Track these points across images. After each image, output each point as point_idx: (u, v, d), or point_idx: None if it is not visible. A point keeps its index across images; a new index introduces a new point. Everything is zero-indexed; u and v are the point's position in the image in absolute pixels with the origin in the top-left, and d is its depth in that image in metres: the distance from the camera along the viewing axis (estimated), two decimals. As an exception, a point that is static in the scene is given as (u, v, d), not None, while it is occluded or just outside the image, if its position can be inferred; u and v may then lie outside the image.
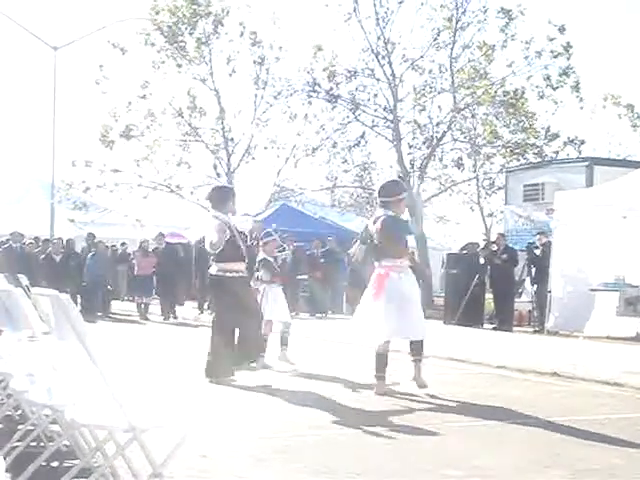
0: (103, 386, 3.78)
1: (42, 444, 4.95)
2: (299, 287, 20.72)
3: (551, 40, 24.21)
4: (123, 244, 24.22)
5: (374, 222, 8.22)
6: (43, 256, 19.84)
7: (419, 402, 7.72)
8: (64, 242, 20.78)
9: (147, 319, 19.22)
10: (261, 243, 10.35)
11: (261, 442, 5.97)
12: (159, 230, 24.13)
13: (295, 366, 9.91)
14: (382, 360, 8.13)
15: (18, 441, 4.85)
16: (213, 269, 8.78)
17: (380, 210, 8.25)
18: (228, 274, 8.65)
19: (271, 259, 10.38)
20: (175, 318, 18.95)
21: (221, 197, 8.89)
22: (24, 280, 8.83)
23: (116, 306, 21.13)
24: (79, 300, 19.06)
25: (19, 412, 5.63)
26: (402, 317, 7.97)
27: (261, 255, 10.27)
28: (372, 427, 6.56)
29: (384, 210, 8.18)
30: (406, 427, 6.59)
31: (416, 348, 8.28)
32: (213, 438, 5.54)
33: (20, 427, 5.10)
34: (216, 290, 9.03)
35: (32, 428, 4.90)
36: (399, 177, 9.48)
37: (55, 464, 4.79)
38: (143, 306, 19.85)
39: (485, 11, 24.43)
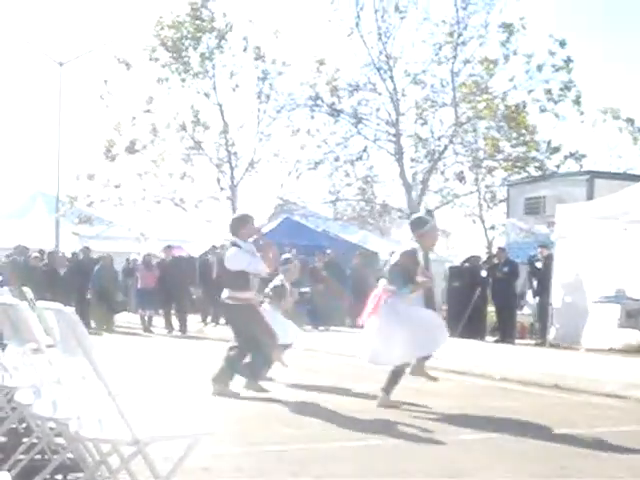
0: (107, 399, 3.82)
1: (46, 457, 4.97)
2: (302, 300, 20.72)
3: (552, 54, 24.33)
4: (127, 259, 24.20)
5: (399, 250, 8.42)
6: (47, 269, 19.89)
7: (420, 414, 7.75)
8: (80, 254, 20.95)
9: (151, 332, 19.24)
10: (281, 269, 10.46)
11: (265, 454, 6.00)
12: (162, 243, 24.23)
13: (287, 368, 9.71)
14: (395, 378, 8.14)
15: (23, 454, 4.88)
16: (225, 294, 9.06)
17: (411, 242, 8.38)
18: (236, 302, 8.95)
19: (288, 286, 10.40)
20: (184, 332, 18.90)
21: (238, 224, 9.17)
22: (29, 293, 8.89)
23: (121, 319, 21.14)
24: (83, 313, 19.09)
25: (24, 425, 5.66)
26: (406, 338, 7.90)
27: (279, 281, 10.34)
28: (374, 439, 6.59)
29: (411, 243, 8.33)
30: (407, 439, 6.62)
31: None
32: (216, 451, 5.57)
33: (25, 440, 5.13)
34: (228, 315, 9.54)
35: (36, 441, 4.93)
36: (427, 210, 9.46)
37: (59, 477, 4.82)
38: (147, 319, 19.88)
39: (486, 26, 24.57)
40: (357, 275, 20.66)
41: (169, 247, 20.51)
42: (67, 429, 4.21)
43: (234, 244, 9.04)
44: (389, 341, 7.97)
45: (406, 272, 8.07)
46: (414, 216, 8.92)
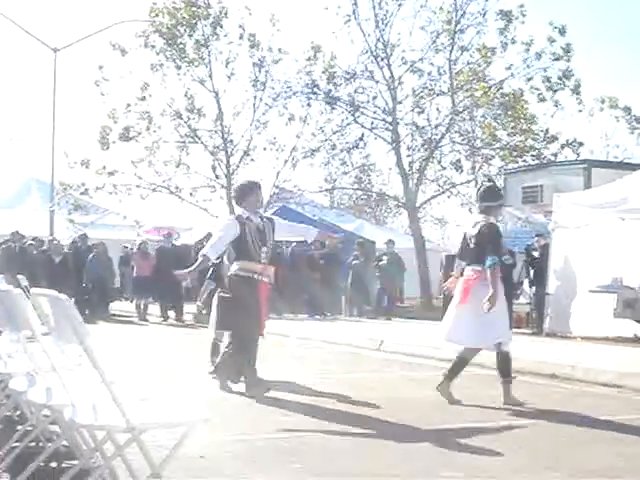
0: (102, 386, 3.79)
1: (41, 444, 4.96)
2: (298, 289, 20.73)
3: (552, 42, 24.24)
4: (125, 247, 24.11)
5: (473, 226, 7.96)
6: (42, 257, 19.84)
7: (418, 404, 7.73)
8: (81, 240, 21.08)
9: (146, 320, 19.22)
10: None
11: (260, 443, 5.99)
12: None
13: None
14: (460, 364, 8.06)
15: (17, 441, 4.86)
16: (232, 268, 8.47)
17: (479, 216, 7.98)
18: (240, 272, 8.25)
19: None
20: (180, 321, 18.84)
21: (242, 192, 8.51)
22: (23, 281, 8.85)
23: (116, 307, 21.12)
24: (79, 301, 19.03)
25: (18, 412, 5.64)
26: (481, 324, 7.77)
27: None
28: (371, 429, 6.58)
29: (484, 216, 7.91)
30: (405, 429, 6.61)
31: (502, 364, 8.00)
32: (212, 439, 5.55)
33: (19, 427, 5.11)
34: (230, 290, 8.55)
35: (31, 428, 4.91)
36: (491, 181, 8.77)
37: (54, 464, 4.80)
38: (142, 307, 19.85)
39: (484, 14, 24.48)
40: (355, 264, 20.65)
41: (169, 234, 20.45)
42: (62, 416, 4.19)
43: (237, 218, 8.39)
44: (475, 323, 7.77)
45: (494, 244, 7.79)
46: (491, 184, 8.19)
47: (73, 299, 17.09)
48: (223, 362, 8.53)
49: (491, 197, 7.98)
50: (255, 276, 8.22)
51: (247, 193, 8.41)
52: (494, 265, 7.61)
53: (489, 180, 8.46)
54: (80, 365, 4.48)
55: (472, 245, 7.87)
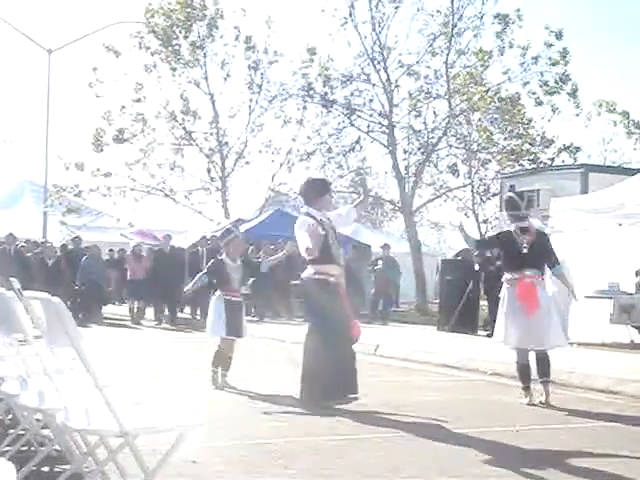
0: (95, 390, 3.74)
1: (33, 448, 4.91)
2: (293, 292, 20.67)
3: (549, 47, 24.25)
4: (120, 250, 23.95)
5: (522, 231, 8.18)
6: (35, 260, 19.74)
7: (412, 408, 7.68)
8: (71, 244, 20.84)
9: (140, 323, 19.12)
10: (221, 243, 9.23)
11: (254, 447, 5.93)
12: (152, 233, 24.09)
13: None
14: (524, 370, 8.21)
15: (8, 445, 4.81)
16: (305, 273, 7.91)
17: (513, 225, 8.28)
18: (316, 276, 7.73)
19: (232, 263, 8.94)
20: (174, 325, 18.75)
21: (314, 191, 7.97)
22: (16, 283, 8.77)
23: (110, 310, 21.03)
24: (71, 304, 18.95)
25: (10, 416, 5.57)
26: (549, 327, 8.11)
27: (217, 257, 9.19)
28: (365, 434, 6.53)
29: (516, 224, 8.25)
30: (398, 433, 6.56)
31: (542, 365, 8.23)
32: (205, 444, 5.49)
33: (11, 431, 5.05)
34: (306, 296, 8.08)
35: (23, 432, 4.85)
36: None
37: (46, 469, 4.75)
38: (136, 310, 19.76)
39: (481, 17, 24.49)
40: (350, 268, 20.56)
41: (169, 236, 20.36)
42: (54, 420, 4.14)
43: (308, 214, 7.87)
44: (546, 325, 8.06)
45: (551, 251, 8.27)
46: (512, 195, 8.48)
47: (68, 302, 16.92)
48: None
49: (515, 207, 8.32)
50: (333, 279, 7.73)
51: (322, 192, 7.92)
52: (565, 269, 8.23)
53: (514, 192, 8.82)
54: (73, 369, 4.42)
55: (526, 251, 8.10)
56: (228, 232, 9.36)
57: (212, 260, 9.23)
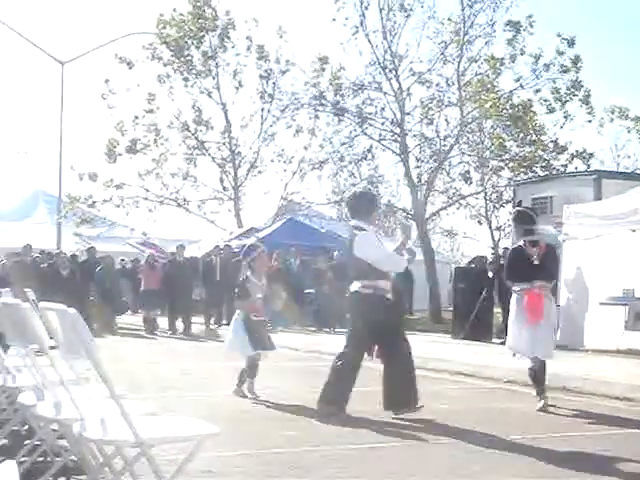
0: (111, 401, 3.76)
1: (49, 459, 4.92)
2: (306, 301, 20.69)
3: (560, 54, 24.19)
4: (135, 260, 24.01)
5: (533, 245, 8.48)
6: (50, 270, 19.81)
7: (426, 416, 7.66)
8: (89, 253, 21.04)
9: (155, 333, 19.16)
10: (245, 260, 8.89)
11: (270, 457, 5.93)
12: (165, 244, 24.16)
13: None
14: (537, 376, 8.50)
15: (25, 456, 4.83)
16: (355, 286, 7.80)
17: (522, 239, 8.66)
18: (370, 291, 7.66)
19: (258, 281, 8.78)
20: (188, 334, 18.76)
21: (366, 206, 7.90)
22: (31, 294, 8.82)
23: (124, 320, 21.07)
24: (87, 315, 18.99)
25: (26, 427, 5.60)
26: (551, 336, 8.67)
27: (243, 275, 8.91)
28: (379, 442, 6.52)
29: (524, 238, 8.60)
30: (412, 442, 6.55)
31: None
32: (221, 454, 5.50)
33: (27, 442, 5.07)
34: (356, 309, 7.92)
35: (39, 443, 4.87)
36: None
37: (62, 479, 4.76)
38: (151, 320, 19.79)
39: (492, 24, 24.45)
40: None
41: (182, 246, 20.38)
42: (70, 431, 4.16)
43: (361, 228, 7.73)
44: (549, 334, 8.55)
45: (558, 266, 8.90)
46: (522, 209, 9.06)
47: (80, 312, 16.93)
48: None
49: (532, 220, 8.63)
50: (387, 294, 7.74)
51: (374, 206, 8.00)
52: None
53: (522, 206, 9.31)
54: (88, 379, 4.44)
55: (537, 262, 8.39)
56: (252, 249, 8.99)
57: (240, 282, 8.86)
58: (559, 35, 24.19)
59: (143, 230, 28.42)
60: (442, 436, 6.80)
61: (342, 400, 7.62)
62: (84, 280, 19.88)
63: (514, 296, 8.49)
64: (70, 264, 20.34)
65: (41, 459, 4.87)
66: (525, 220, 8.61)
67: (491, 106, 24.54)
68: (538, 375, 8.46)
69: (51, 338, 4.34)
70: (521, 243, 8.58)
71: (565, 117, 24.94)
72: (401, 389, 7.67)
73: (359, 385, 9.56)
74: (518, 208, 8.98)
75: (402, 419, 7.49)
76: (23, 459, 4.79)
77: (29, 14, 53.38)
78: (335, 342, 15.76)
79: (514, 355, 8.85)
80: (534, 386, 8.52)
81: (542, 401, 8.28)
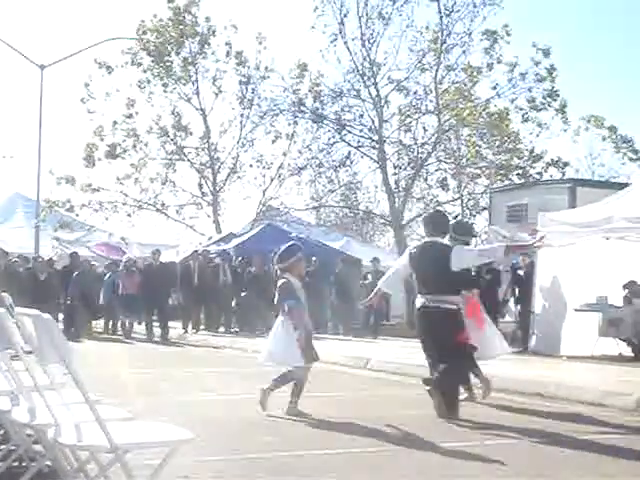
0: (86, 406, 3.78)
1: (24, 464, 4.92)
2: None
3: (536, 64, 24.42)
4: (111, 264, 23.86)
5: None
6: (27, 275, 19.70)
7: (404, 422, 7.72)
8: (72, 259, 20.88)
9: (132, 338, 19.11)
10: (281, 266, 8.32)
11: (246, 462, 5.96)
12: (143, 248, 24.09)
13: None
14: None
15: (0, 461, 4.83)
16: (440, 300, 8.09)
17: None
18: (452, 306, 8.07)
19: (298, 284, 8.31)
20: (166, 339, 18.71)
21: (444, 226, 8.48)
22: (7, 299, 8.79)
23: (101, 325, 20.99)
24: (61, 319, 18.90)
25: (1, 432, 5.59)
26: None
27: (281, 281, 8.27)
28: (357, 448, 6.57)
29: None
30: (391, 448, 6.59)
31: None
32: (196, 459, 5.52)
33: (2, 447, 5.07)
34: (454, 323, 8.21)
35: (14, 448, 4.87)
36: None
37: (37, 484, 4.76)
38: (128, 325, 19.75)
39: (470, 34, 24.65)
40: (340, 281, 20.60)
41: (158, 251, 20.35)
42: (45, 436, 4.16)
43: (445, 244, 8.29)
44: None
45: None
46: (461, 221, 9.66)
47: (61, 316, 16.75)
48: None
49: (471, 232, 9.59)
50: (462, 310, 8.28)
51: (447, 228, 8.51)
52: None
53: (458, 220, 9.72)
54: (64, 384, 4.46)
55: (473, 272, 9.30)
56: (291, 252, 8.37)
57: (283, 280, 8.20)
58: (534, 45, 24.45)
59: (122, 235, 28.32)
60: (418, 442, 6.85)
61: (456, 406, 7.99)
62: (63, 284, 19.80)
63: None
64: (48, 268, 20.26)
65: (16, 464, 4.86)
66: (465, 231, 9.20)
67: (468, 114, 24.74)
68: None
69: (25, 343, 4.35)
70: None
71: (539, 125, 25.17)
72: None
73: (330, 391, 9.64)
74: (456, 220, 9.23)
75: (376, 425, 7.54)
76: (-2, 464, 4.80)
77: (8, 18, 53.08)
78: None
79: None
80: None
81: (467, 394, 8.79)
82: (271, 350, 8.09)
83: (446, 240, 8.44)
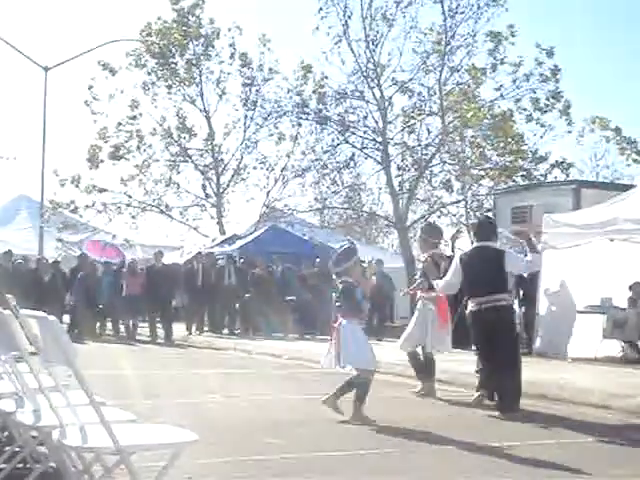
0: (91, 408, 3.78)
1: (29, 466, 4.92)
2: (288, 308, 20.72)
3: (539, 64, 24.38)
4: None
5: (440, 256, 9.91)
6: (31, 275, 19.73)
7: (405, 424, 7.71)
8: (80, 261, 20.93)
9: (135, 340, 19.12)
10: (338, 269, 8.09)
11: (251, 463, 5.96)
12: (147, 250, 24.11)
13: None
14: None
15: (4, 463, 4.83)
16: (497, 299, 8.71)
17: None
18: (507, 304, 8.93)
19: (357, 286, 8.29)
20: (169, 341, 18.70)
21: (492, 231, 9.12)
22: (12, 300, 8.80)
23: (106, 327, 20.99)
24: (66, 320, 18.92)
25: (6, 434, 5.60)
26: None
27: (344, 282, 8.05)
28: (359, 450, 6.56)
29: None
30: (392, 450, 6.59)
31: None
32: (200, 460, 5.52)
33: (7, 449, 5.08)
34: (509, 320, 9.10)
35: (19, 450, 4.88)
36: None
37: (42, 486, 4.77)
38: (132, 326, 19.74)
39: (474, 35, 24.61)
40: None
41: (160, 252, 20.34)
42: (50, 438, 4.16)
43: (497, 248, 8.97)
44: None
45: None
46: (431, 223, 10.21)
47: (68, 318, 16.70)
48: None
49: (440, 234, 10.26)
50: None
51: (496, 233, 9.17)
52: None
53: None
54: (68, 386, 4.46)
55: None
56: (348, 255, 8.14)
57: (348, 283, 8.02)
58: (538, 46, 24.41)
59: (125, 237, 28.35)
60: (421, 443, 6.85)
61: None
62: (67, 286, 19.83)
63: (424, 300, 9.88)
64: (52, 270, 20.29)
65: (21, 466, 4.87)
66: (435, 233, 10.10)
67: (472, 116, 24.70)
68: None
69: (31, 345, 4.36)
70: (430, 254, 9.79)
71: (542, 126, 25.14)
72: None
73: (331, 392, 9.62)
74: (428, 222, 9.68)
75: (383, 426, 7.53)
76: (3, 465, 4.79)
77: (12, 20, 53.19)
78: (317, 349, 15.81)
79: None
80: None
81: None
82: (341, 353, 7.86)
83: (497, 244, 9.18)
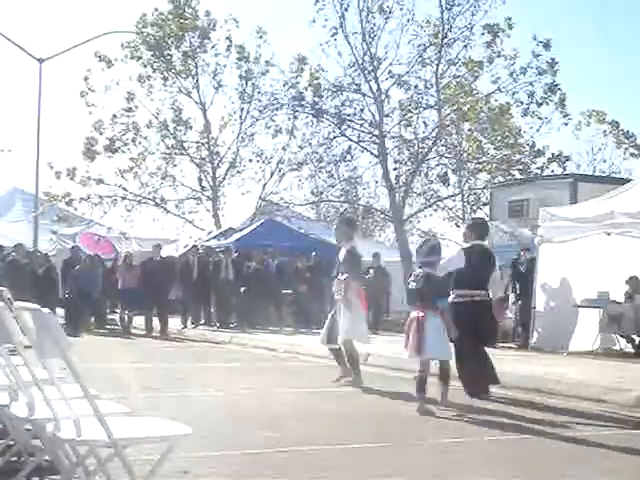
0: (85, 401, 3.75)
1: (23, 459, 4.90)
2: (285, 301, 20.71)
3: (536, 57, 24.34)
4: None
5: None
6: (25, 268, 19.66)
7: (401, 418, 7.70)
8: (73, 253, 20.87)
9: (131, 333, 19.08)
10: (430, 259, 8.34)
11: (246, 457, 5.94)
12: (142, 243, 24.08)
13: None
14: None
15: (-2, 456, 4.81)
16: (482, 294, 9.06)
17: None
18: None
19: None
20: (165, 334, 18.67)
21: (487, 231, 9.77)
22: (6, 293, 8.76)
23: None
24: (60, 313, 18.86)
25: (-1, 427, 5.57)
26: None
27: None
28: (355, 443, 6.55)
29: None
30: (387, 443, 6.58)
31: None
32: (197, 454, 5.50)
33: (1, 442, 5.05)
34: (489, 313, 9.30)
35: (13, 443, 4.85)
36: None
37: (36, 479, 4.74)
38: (127, 319, 19.69)
39: (471, 28, 24.55)
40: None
41: (159, 246, 20.29)
42: (44, 431, 4.14)
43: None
44: None
45: None
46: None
47: (62, 310, 16.67)
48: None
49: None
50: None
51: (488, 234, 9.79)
52: None
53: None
54: (63, 379, 4.43)
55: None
56: (434, 251, 8.42)
57: (425, 274, 8.17)
58: (535, 38, 24.36)
59: (121, 229, 28.30)
60: (417, 436, 6.84)
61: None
62: (62, 278, 19.77)
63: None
64: (46, 263, 20.23)
65: (14, 459, 4.84)
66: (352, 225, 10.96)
67: (469, 109, 24.66)
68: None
69: (25, 337, 4.32)
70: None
71: (540, 118, 25.10)
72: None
73: (330, 386, 9.63)
74: (346, 215, 10.02)
75: (382, 420, 7.52)
76: (-4, 459, 4.77)
77: (7, 11, 53.00)
78: (313, 342, 15.80)
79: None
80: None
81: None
82: (422, 346, 8.03)
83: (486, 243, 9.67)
